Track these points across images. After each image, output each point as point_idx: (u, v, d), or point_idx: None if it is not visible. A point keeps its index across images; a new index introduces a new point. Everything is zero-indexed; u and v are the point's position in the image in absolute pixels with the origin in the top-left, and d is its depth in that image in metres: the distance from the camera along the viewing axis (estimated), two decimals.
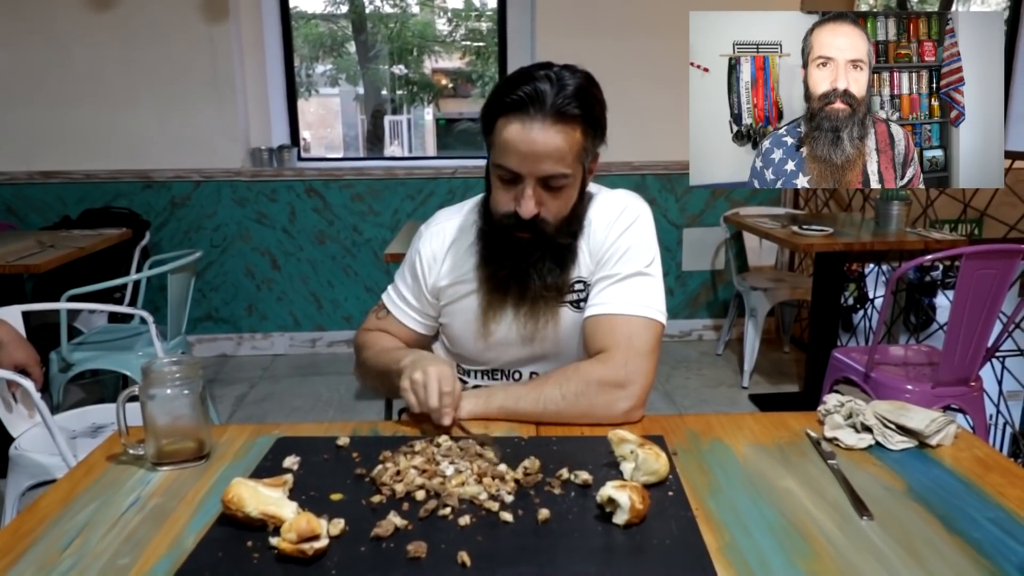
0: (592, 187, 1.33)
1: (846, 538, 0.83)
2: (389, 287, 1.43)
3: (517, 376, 1.37)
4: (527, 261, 1.22)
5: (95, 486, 0.97)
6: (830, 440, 1.06)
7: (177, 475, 1.00)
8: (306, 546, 0.78)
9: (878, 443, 1.05)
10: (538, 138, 1.12)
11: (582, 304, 1.29)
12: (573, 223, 1.25)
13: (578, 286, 1.29)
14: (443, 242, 1.35)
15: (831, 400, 1.12)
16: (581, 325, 1.27)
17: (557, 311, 1.29)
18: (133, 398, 1.01)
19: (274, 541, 0.80)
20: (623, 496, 0.85)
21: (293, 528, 0.78)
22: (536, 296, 1.25)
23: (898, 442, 1.03)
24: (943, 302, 4.12)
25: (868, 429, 1.06)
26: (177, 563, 0.79)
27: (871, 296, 3.85)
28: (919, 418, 1.03)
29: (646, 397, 1.18)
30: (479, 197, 1.34)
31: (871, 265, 3.81)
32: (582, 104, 1.13)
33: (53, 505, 0.93)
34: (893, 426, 1.05)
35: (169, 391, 1.00)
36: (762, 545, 0.82)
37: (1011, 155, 2.71)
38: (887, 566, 0.78)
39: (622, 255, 1.25)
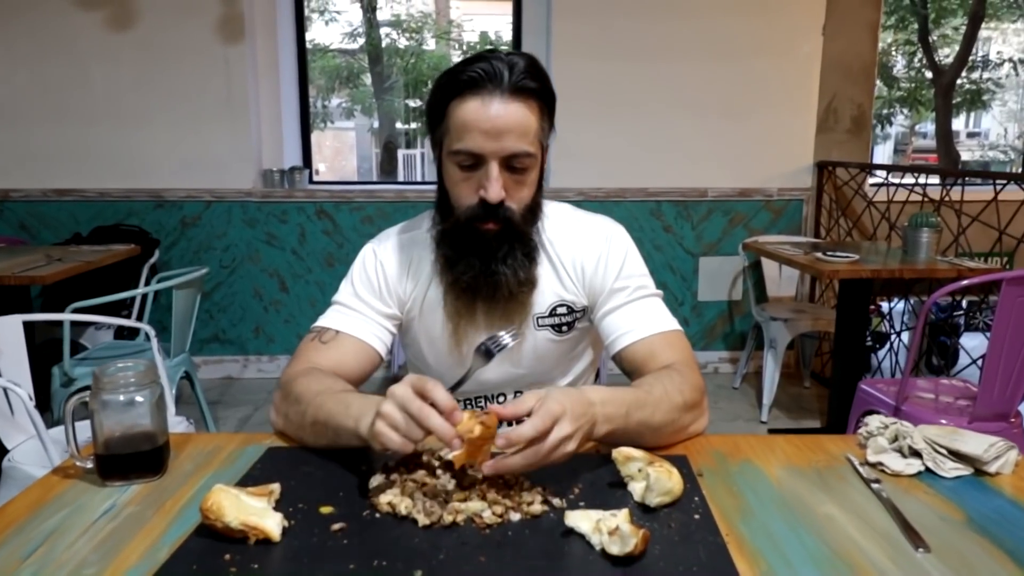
0: (562, 206, 1.28)
1: (900, 571, 0.73)
2: (329, 311, 1.24)
3: (501, 399, 1.28)
4: (495, 256, 1.12)
5: (69, 491, 0.89)
6: (874, 465, 0.96)
7: (157, 482, 0.92)
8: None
9: (928, 469, 0.95)
10: (499, 113, 1.05)
11: (565, 329, 1.24)
12: (536, 212, 1.17)
13: (560, 310, 1.23)
14: (400, 254, 1.25)
15: (873, 421, 1.02)
16: (578, 348, 1.25)
17: (535, 332, 1.22)
18: (84, 405, 0.91)
19: (450, 456, 0.83)
20: (626, 524, 0.74)
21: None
22: (508, 297, 1.15)
23: (951, 468, 0.93)
24: (971, 343, 4.00)
25: (916, 454, 0.96)
26: (147, 575, 0.71)
27: (892, 332, 3.72)
28: (975, 443, 0.94)
29: None
30: (428, 211, 1.25)
31: (895, 300, 3.70)
32: (537, 78, 1.08)
33: (20, 510, 0.85)
34: (945, 451, 0.95)
35: (122, 398, 0.90)
36: None
37: None
38: None
39: (627, 273, 1.21)
